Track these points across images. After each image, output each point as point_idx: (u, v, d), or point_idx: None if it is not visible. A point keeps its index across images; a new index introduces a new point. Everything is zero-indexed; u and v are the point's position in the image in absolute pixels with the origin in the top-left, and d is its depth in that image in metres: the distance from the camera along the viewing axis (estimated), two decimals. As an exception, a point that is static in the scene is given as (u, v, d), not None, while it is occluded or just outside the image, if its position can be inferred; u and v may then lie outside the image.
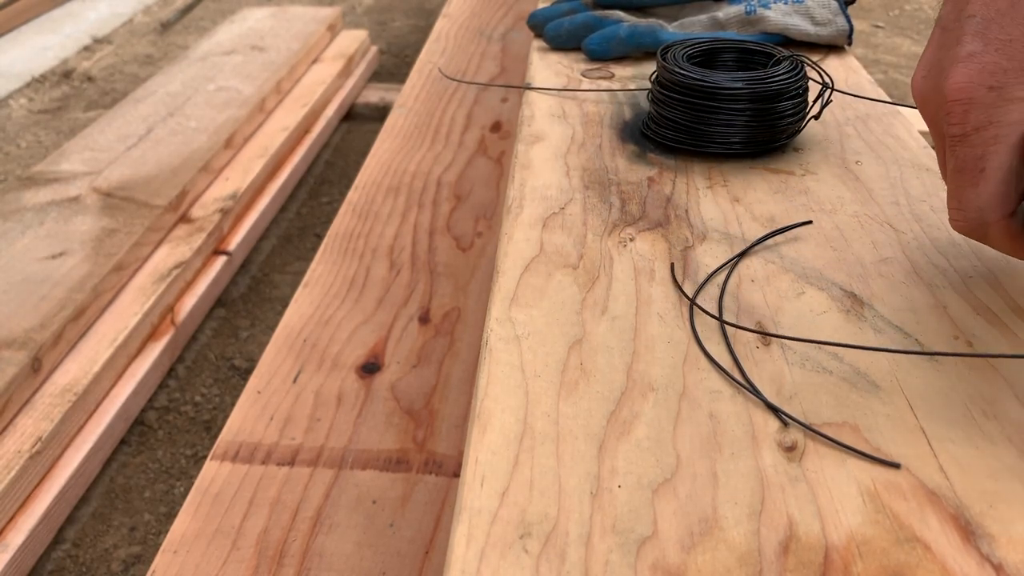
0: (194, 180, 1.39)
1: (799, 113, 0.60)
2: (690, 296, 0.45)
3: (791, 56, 0.60)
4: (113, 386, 1.09)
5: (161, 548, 0.73)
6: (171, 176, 1.37)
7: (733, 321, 0.44)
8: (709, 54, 0.63)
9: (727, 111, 0.58)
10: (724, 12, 0.76)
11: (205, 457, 0.95)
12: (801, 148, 0.61)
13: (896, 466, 0.35)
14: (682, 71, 0.58)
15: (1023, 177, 0.38)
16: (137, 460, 1.11)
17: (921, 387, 0.39)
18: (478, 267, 1.10)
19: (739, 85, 0.57)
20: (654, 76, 0.62)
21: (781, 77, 0.58)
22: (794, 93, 0.58)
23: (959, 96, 0.36)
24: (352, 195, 1.28)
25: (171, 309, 1.23)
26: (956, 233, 0.50)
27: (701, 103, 0.58)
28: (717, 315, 0.44)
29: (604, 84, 0.72)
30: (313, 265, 1.11)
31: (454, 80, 1.60)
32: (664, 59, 0.60)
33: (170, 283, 1.21)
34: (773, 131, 0.59)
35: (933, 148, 0.48)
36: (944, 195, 0.54)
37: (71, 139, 1.59)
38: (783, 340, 0.42)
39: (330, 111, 1.84)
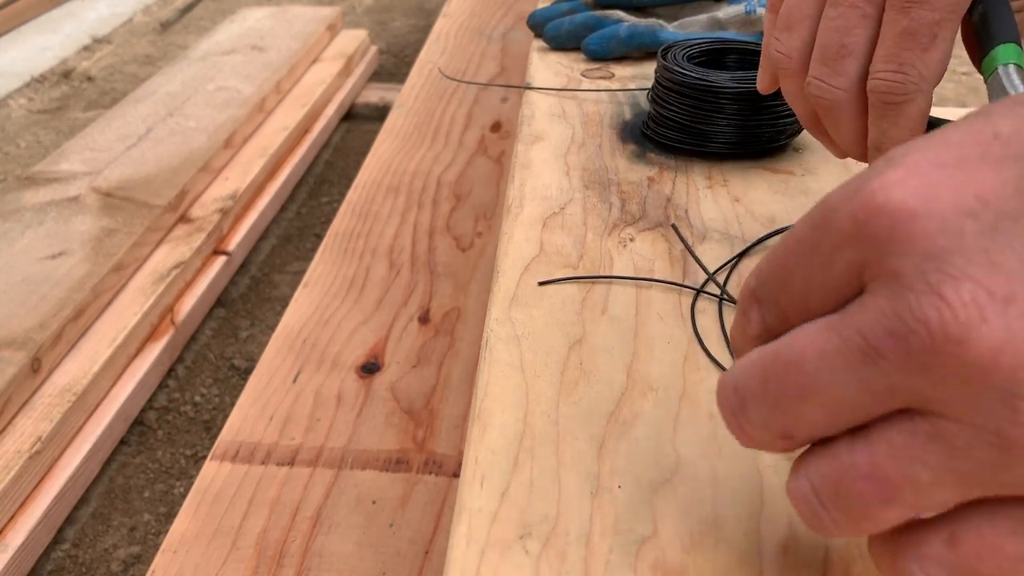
0: (194, 180, 1.39)
1: None
2: (705, 267, 0.45)
3: None
4: (113, 386, 1.09)
5: (161, 548, 0.73)
6: (171, 176, 1.37)
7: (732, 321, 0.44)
8: (711, 54, 0.63)
9: (728, 111, 0.58)
10: (724, 12, 0.76)
11: (205, 457, 0.95)
12: (801, 148, 0.61)
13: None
14: (682, 70, 0.58)
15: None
16: (137, 460, 1.11)
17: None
18: (478, 267, 1.10)
19: (740, 85, 0.57)
20: (655, 75, 0.62)
21: None
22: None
23: None
24: (352, 195, 1.28)
25: (171, 309, 1.23)
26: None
27: (701, 102, 0.58)
28: (719, 304, 0.44)
29: (604, 84, 0.72)
30: (313, 265, 1.11)
31: (454, 80, 1.60)
32: (664, 59, 0.60)
33: (170, 283, 1.21)
34: (775, 130, 0.59)
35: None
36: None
37: (71, 139, 1.59)
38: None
39: (330, 111, 1.84)
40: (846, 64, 0.39)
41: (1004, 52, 0.36)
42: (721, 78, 0.57)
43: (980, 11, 0.37)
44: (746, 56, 0.63)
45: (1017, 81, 0.36)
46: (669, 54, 0.61)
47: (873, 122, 0.39)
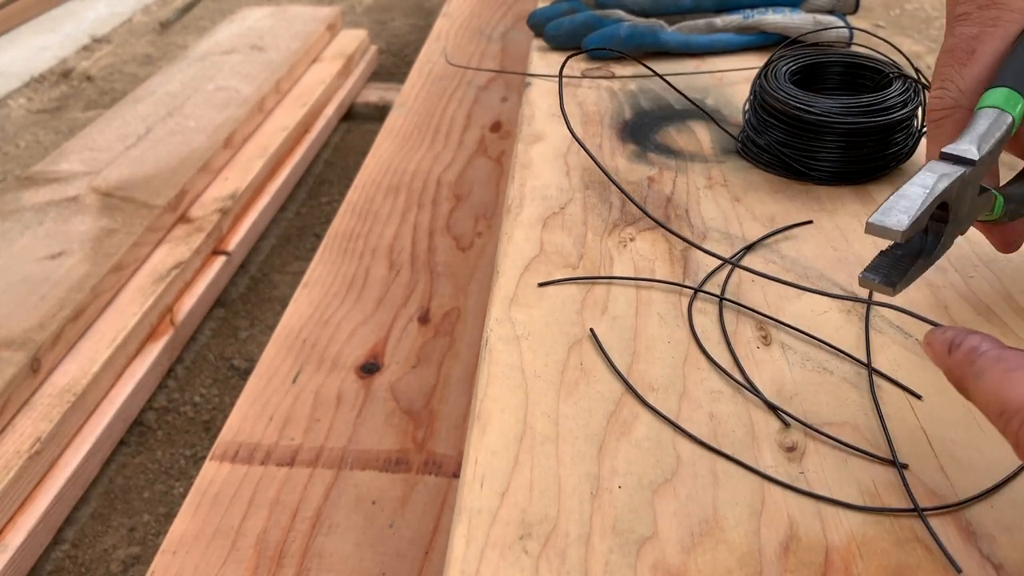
0: (193, 180, 1.39)
1: (910, 138, 0.56)
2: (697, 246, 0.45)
3: (901, 75, 0.56)
4: (112, 386, 1.09)
5: (160, 549, 0.73)
6: (170, 176, 1.37)
7: (733, 322, 0.44)
8: (811, 70, 0.59)
9: (832, 140, 0.54)
10: (722, 19, 0.76)
11: (204, 457, 0.95)
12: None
13: (896, 465, 0.35)
14: (786, 95, 0.54)
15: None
16: (136, 461, 1.11)
17: (921, 387, 0.39)
18: (478, 267, 1.10)
19: (848, 118, 0.53)
20: (750, 96, 0.58)
21: (893, 103, 0.53)
22: (907, 122, 0.54)
23: None
24: (352, 195, 1.28)
25: (170, 309, 1.23)
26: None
27: (804, 131, 0.54)
28: (718, 307, 0.44)
29: (605, 83, 0.72)
30: (312, 265, 1.11)
31: (459, 67, 1.60)
32: (765, 79, 0.57)
33: (169, 283, 1.21)
34: (884, 159, 0.55)
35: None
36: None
37: (70, 139, 1.59)
38: (783, 340, 0.42)
39: (329, 111, 1.84)
40: (937, 82, 0.39)
41: (989, 96, 0.35)
42: (827, 105, 0.53)
43: (1014, 47, 0.36)
44: (852, 72, 0.59)
45: (974, 131, 0.34)
46: (769, 73, 0.57)
47: (927, 143, 0.40)
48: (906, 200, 0.32)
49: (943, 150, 0.34)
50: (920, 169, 0.34)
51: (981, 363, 0.29)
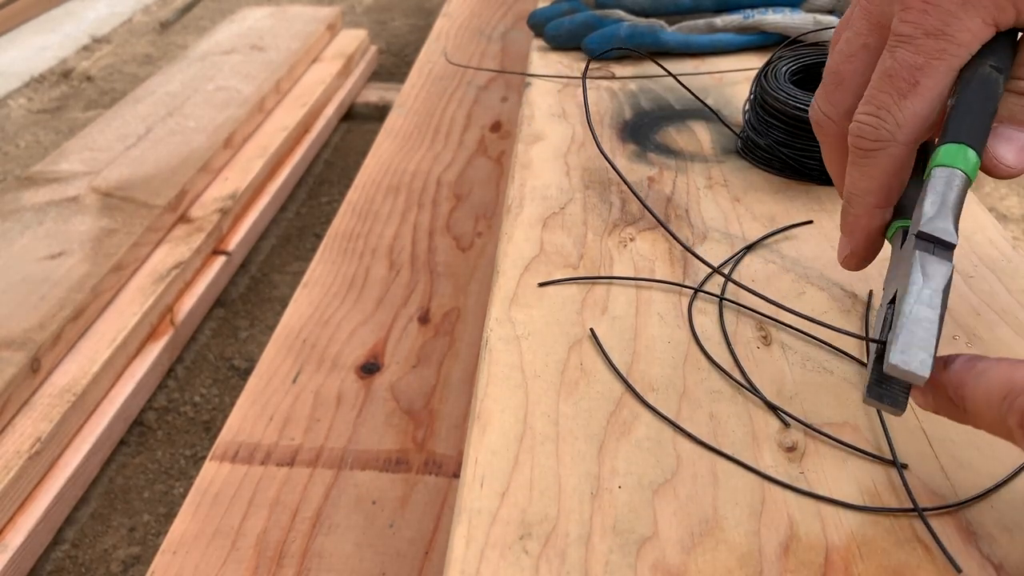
0: (193, 180, 1.39)
1: None
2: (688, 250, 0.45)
3: None
4: (112, 386, 1.09)
5: (160, 549, 0.73)
6: (170, 176, 1.37)
7: (733, 322, 0.44)
8: (811, 70, 0.58)
9: None
10: (722, 19, 0.76)
11: (204, 457, 0.95)
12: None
13: (896, 465, 0.35)
14: (786, 95, 0.54)
15: (941, 112, 0.33)
16: (136, 461, 1.11)
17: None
18: (478, 267, 1.10)
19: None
20: (750, 96, 0.58)
21: None
22: None
23: None
24: (352, 195, 1.28)
25: (170, 309, 1.23)
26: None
27: (804, 131, 0.54)
28: (718, 308, 0.44)
29: (605, 84, 0.72)
30: (312, 265, 1.11)
31: (460, 67, 1.60)
32: (765, 79, 0.57)
33: (169, 283, 1.21)
34: None
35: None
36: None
37: (70, 139, 1.59)
38: (783, 340, 0.42)
39: (329, 111, 1.84)
40: (838, 94, 0.37)
41: (944, 153, 0.32)
42: None
43: (954, 96, 0.33)
44: None
45: (945, 200, 0.31)
46: (769, 73, 0.57)
47: (848, 167, 0.36)
48: (921, 328, 0.29)
49: (921, 229, 0.31)
50: (911, 270, 0.31)
51: (983, 364, 0.28)
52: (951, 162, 0.32)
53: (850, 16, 0.37)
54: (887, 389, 0.30)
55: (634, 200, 0.55)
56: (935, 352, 0.29)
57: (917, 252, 0.31)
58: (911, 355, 0.29)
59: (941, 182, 0.32)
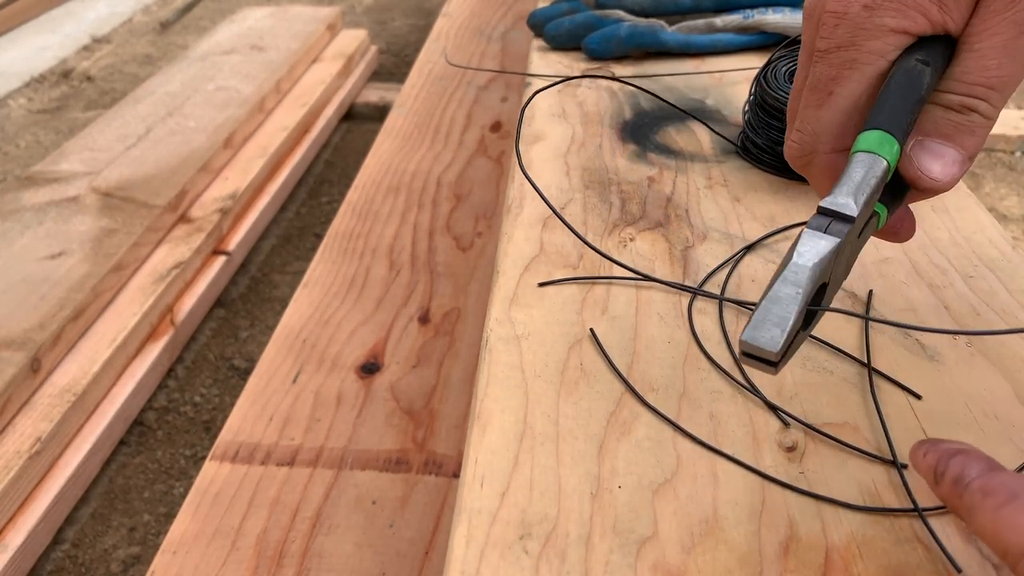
0: (193, 180, 1.39)
1: None
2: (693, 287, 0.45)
3: None
4: (112, 386, 1.09)
5: (160, 549, 0.73)
6: (170, 176, 1.37)
7: (733, 322, 0.44)
8: None
9: None
10: (722, 19, 0.76)
11: (204, 457, 0.95)
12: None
13: (896, 465, 0.35)
14: (786, 95, 0.54)
15: (863, 116, 0.34)
16: (136, 460, 1.11)
17: (921, 387, 0.39)
18: (478, 267, 1.10)
19: None
20: (750, 96, 0.58)
21: None
22: None
23: (836, 8, 0.33)
24: (352, 195, 1.28)
25: (170, 309, 1.23)
26: (957, 233, 0.50)
27: None
28: (718, 309, 0.44)
29: (605, 84, 0.72)
30: (313, 265, 1.11)
31: (459, 67, 1.60)
32: (765, 79, 0.57)
33: (169, 283, 1.21)
34: None
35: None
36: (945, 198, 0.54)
37: (70, 139, 1.59)
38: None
39: (330, 111, 1.84)
40: (794, 123, 0.37)
41: (863, 139, 0.33)
42: None
43: (883, 87, 0.34)
44: None
45: (850, 179, 0.32)
46: (769, 73, 0.57)
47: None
48: (778, 306, 0.30)
49: (820, 204, 0.32)
50: (795, 243, 0.32)
51: (969, 499, 0.28)
52: (876, 149, 0.32)
53: None
54: (753, 358, 0.31)
55: (634, 200, 0.55)
56: (792, 326, 0.30)
57: (803, 230, 0.32)
58: (762, 331, 0.30)
59: (861, 168, 0.32)
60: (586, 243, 0.49)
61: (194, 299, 1.26)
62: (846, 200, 0.32)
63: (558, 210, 0.54)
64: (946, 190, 0.33)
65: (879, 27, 0.33)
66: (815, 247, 0.31)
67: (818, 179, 0.36)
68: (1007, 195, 1.67)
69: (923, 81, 0.32)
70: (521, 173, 0.59)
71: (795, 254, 0.31)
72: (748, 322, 0.30)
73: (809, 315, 0.32)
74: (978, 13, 0.31)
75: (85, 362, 1.05)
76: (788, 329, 0.30)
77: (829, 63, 0.34)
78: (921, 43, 0.33)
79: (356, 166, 1.64)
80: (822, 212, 0.32)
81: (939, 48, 0.33)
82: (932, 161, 0.33)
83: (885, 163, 0.32)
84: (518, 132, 0.49)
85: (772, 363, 0.30)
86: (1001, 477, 0.27)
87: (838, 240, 0.31)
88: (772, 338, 0.30)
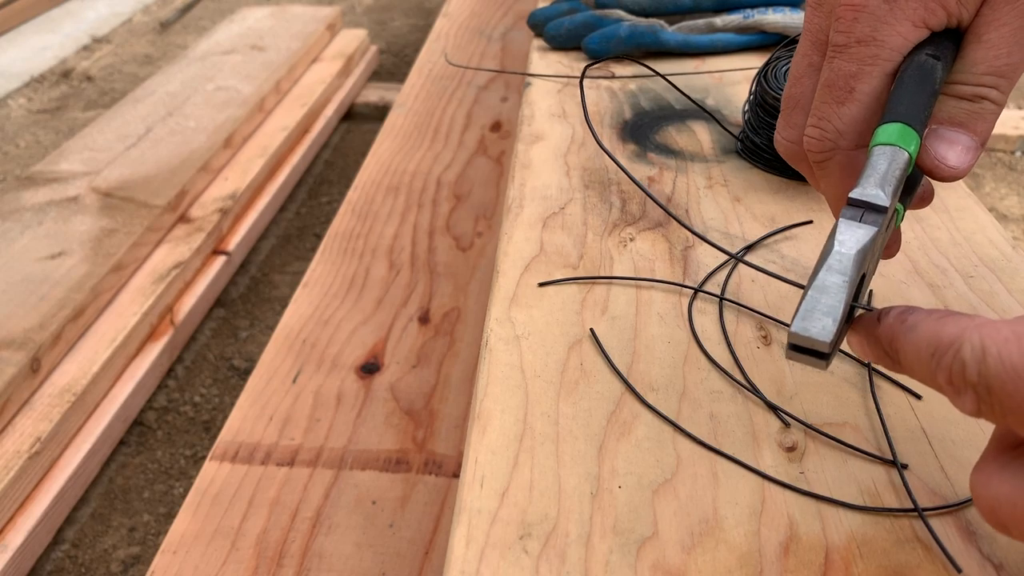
0: (193, 180, 1.39)
1: None
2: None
3: None
4: (112, 386, 1.09)
5: (160, 549, 0.73)
6: (170, 176, 1.37)
7: (733, 322, 0.44)
8: None
9: None
10: (722, 19, 0.76)
11: (204, 457, 0.95)
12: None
13: (896, 465, 0.35)
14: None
15: (880, 111, 0.34)
16: (136, 460, 1.11)
17: (921, 387, 0.39)
18: (478, 267, 1.10)
19: None
20: (750, 96, 0.58)
21: None
22: None
23: (853, 1, 0.33)
24: (351, 195, 1.28)
25: (170, 309, 1.23)
26: (957, 233, 0.50)
27: None
28: (719, 309, 0.44)
29: (605, 84, 0.72)
30: (312, 265, 1.11)
31: (459, 67, 1.60)
32: (765, 79, 0.56)
33: (169, 283, 1.21)
34: None
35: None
36: (943, 195, 0.54)
37: (70, 139, 1.59)
38: (783, 340, 0.42)
39: (329, 111, 1.84)
40: (794, 116, 0.37)
41: (883, 132, 0.32)
42: None
43: (896, 82, 0.34)
44: None
45: (875, 171, 0.32)
46: (769, 73, 0.57)
47: (817, 177, 0.38)
48: (827, 295, 0.30)
49: (851, 195, 0.32)
50: (834, 231, 0.31)
51: (914, 318, 0.29)
52: (897, 141, 0.32)
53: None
54: (802, 351, 0.30)
55: (634, 200, 0.55)
56: (842, 316, 0.29)
57: (839, 220, 0.32)
58: (812, 321, 0.29)
59: (884, 160, 0.32)
60: (657, 204, 0.49)
61: (194, 299, 1.26)
62: (876, 191, 0.32)
63: (557, 210, 0.54)
64: (959, 178, 0.33)
65: (901, 21, 0.32)
66: (854, 235, 0.31)
67: (834, 175, 0.36)
68: (1007, 195, 1.67)
69: (936, 75, 0.32)
70: (521, 173, 0.59)
71: (836, 243, 0.31)
72: (795, 313, 0.30)
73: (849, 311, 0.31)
74: (988, 3, 0.31)
75: (85, 362, 1.05)
76: (839, 318, 0.29)
77: (849, 58, 0.33)
78: (930, 38, 0.33)
79: (356, 166, 1.64)
80: (853, 203, 0.32)
81: (947, 43, 0.33)
82: (948, 149, 0.33)
83: (907, 155, 0.32)
84: (582, 98, 0.49)
85: (823, 355, 0.30)
86: (917, 310, 0.29)
87: (876, 228, 0.31)
88: (824, 328, 0.29)
